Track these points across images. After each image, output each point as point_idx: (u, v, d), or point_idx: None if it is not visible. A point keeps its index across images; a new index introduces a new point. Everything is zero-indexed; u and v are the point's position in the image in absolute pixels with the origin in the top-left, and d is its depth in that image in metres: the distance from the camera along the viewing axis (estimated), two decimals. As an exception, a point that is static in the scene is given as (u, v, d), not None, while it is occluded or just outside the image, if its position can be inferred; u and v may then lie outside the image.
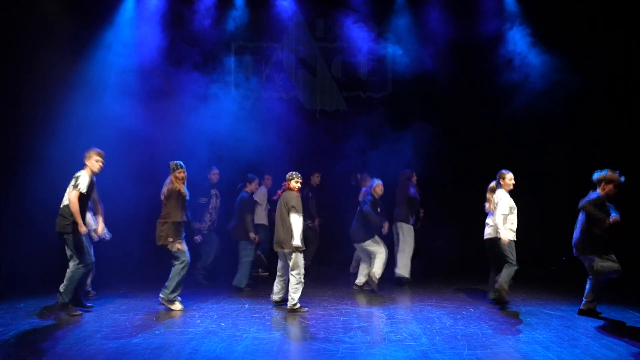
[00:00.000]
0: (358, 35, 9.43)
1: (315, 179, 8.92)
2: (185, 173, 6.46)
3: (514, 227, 6.47)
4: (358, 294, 7.30)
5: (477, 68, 9.18)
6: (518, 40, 8.85)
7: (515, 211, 6.48)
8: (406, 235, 7.89)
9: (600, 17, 8.53)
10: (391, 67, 9.57)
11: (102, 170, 6.21)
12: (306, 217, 7.70)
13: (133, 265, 8.44)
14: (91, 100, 8.26)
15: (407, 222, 7.94)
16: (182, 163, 6.48)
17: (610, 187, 5.87)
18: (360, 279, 7.47)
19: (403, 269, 7.82)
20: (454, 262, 8.66)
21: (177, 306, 6.29)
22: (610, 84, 8.48)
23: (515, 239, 6.45)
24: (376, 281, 7.22)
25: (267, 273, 8.25)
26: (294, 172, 6.45)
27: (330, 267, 9.06)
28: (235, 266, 7.54)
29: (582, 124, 8.71)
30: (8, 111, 7.68)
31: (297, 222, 6.18)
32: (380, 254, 7.20)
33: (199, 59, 9.07)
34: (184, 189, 6.40)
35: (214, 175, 8.08)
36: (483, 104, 9.21)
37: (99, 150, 6.15)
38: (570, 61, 8.26)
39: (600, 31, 8.43)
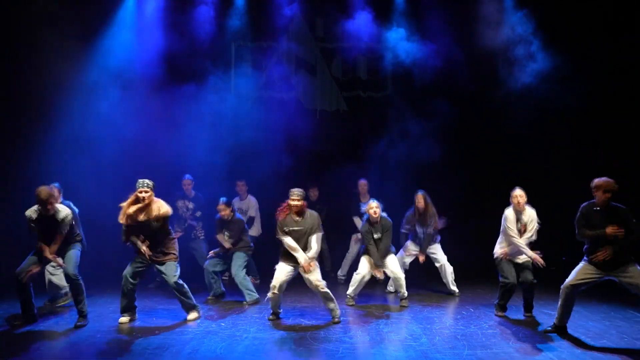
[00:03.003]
0: (358, 35, 9.43)
1: (313, 193, 8.50)
2: (144, 193, 5.73)
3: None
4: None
5: (479, 68, 9.17)
6: (522, 40, 8.84)
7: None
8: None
9: (608, 18, 8.54)
10: (391, 66, 9.57)
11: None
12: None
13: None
14: (88, 104, 8.28)
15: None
16: (143, 181, 5.80)
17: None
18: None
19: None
20: (454, 262, 8.65)
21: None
22: (618, 86, 8.47)
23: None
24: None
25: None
26: (294, 189, 5.96)
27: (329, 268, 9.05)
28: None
29: (585, 125, 8.69)
30: (8, 113, 7.72)
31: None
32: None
33: (198, 60, 9.07)
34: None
35: (184, 184, 7.78)
36: (486, 105, 9.21)
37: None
38: (576, 62, 8.25)
39: (609, 33, 8.44)
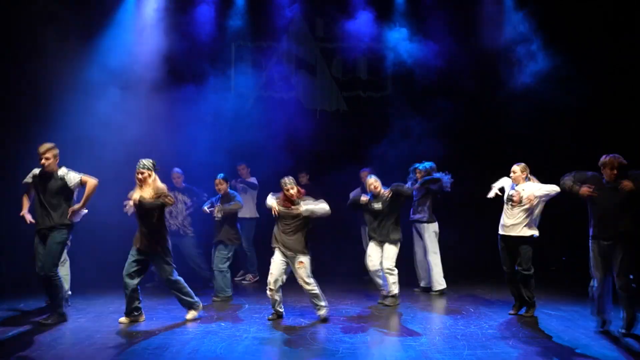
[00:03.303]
0: (358, 35, 9.42)
1: (304, 178, 8.53)
2: (140, 175, 5.65)
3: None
4: (358, 295, 7.31)
5: (479, 68, 9.16)
6: (522, 40, 8.83)
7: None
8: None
9: (608, 18, 8.55)
10: (391, 66, 9.56)
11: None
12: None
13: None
14: (88, 104, 8.27)
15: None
16: (140, 162, 5.71)
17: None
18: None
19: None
20: (453, 262, 8.66)
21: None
22: (618, 86, 8.47)
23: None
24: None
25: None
26: (284, 179, 5.95)
27: (329, 268, 9.04)
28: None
29: (585, 125, 8.69)
30: (8, 113, 7.73)
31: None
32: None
33: (198, 60, 9.07)
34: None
35: (174, 177, 7.74)
36: (486, 105, 9.20)
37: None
38: (576, 62, 8.24)
39: (609, 33, 8.44)
